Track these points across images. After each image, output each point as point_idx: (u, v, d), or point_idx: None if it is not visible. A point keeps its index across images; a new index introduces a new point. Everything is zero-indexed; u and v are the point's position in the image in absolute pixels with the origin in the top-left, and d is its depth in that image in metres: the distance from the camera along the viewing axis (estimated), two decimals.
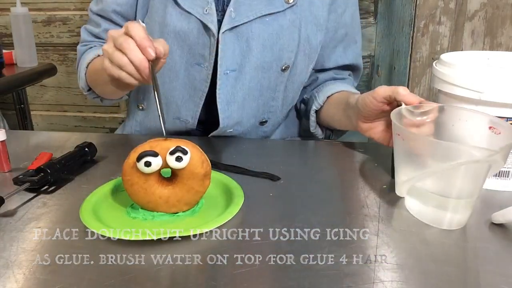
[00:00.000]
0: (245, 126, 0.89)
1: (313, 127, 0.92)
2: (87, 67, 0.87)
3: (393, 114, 0.60)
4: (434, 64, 0.70)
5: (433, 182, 0.55)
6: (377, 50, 1.69)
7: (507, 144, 0.50)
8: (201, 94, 0.85)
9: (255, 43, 0.82)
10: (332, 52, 0.92)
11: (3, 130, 0.71)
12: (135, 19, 0.90)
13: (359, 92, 0.84)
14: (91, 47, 0.92)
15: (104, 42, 0.91)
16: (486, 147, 0.50)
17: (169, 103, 0.89)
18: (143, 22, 0.88)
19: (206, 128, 0.90)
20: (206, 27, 0.81)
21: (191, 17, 0.82)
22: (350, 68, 0.96)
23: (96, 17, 0.92)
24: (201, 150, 0.57)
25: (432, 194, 0.56)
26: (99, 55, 0.86)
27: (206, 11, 0.81)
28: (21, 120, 1.67)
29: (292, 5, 0.83)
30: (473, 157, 0.50)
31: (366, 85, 1.75)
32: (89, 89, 0.91)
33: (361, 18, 1.66)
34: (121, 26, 0.90)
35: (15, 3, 1.53)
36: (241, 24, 0.81)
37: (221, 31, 0.81)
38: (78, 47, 0.94)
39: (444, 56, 0.70)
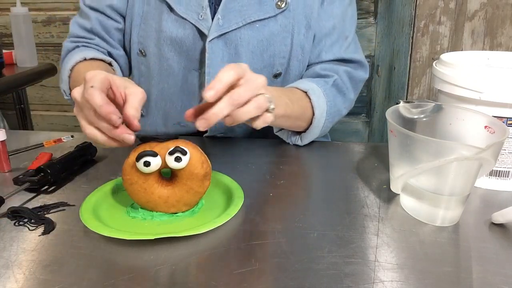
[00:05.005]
0: (237, 131, 0.89)
1: (276, 129, 0.83)
2: (71, 70, 0.82)
3: (388, 112, 0.60)
4: (434, 64, 0.70)
5: (426, 179, 0.56)
6: (377, 50, 1.69)
7: (495, 142, 0.50)
8: (199, 99, 0.84)
9: (243, 50, 0.81)
10: (317, 46, 0.86)
11: (3, 130, 0.71)
12: (125, 15, 0.87)
13: (309, 89, 0.78)
14: (78, 46, 0.87)
15: (93, 40, 0.87)
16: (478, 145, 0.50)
17: (169, 109, 0.89)
18: (139, 26, 0.86)
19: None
20: (201, 33, 0.81)
21: (187, 23, 0.81)
22: (344, 61, 0.86)
23: (87, 9, 0.87)
24: (202, 150, 0.57)
25: (426, 192, 0.56)
26: (85, 59, 0.81)
27: (201, 16, 0.80)
28: (21, 120, 1.67)
29: (284, 10, 0.81)
30: (463, 154, 0.50)
31: (366, 85, 1.76)
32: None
33: (361, 18, 1.68)
34: (114, 20, 0.87)
35: (15, 3, 1.53)
36: (229, 31, 0.80)
37: (208, 39, 0.80)
38: (65, 42, 0.89)
39: (444, 56, 0.70)
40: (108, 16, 0.87)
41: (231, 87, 0.55)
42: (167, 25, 0.81)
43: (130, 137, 0.54)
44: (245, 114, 0.55)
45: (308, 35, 0.84)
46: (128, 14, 0.87)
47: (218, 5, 0.80)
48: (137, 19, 0.86)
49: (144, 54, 0.86)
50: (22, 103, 1.66)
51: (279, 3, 0.80)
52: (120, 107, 0.56)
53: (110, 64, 0.85)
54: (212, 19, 0.80)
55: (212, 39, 0.80)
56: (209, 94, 0.52)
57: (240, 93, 0.54)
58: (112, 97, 0.56)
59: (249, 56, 0.82)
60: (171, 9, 0.81)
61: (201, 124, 0.54)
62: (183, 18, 0.81)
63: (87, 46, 0.87)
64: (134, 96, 0.55)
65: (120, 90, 0.56)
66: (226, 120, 0.55)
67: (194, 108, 0.56)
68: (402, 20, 1.61)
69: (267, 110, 0.58)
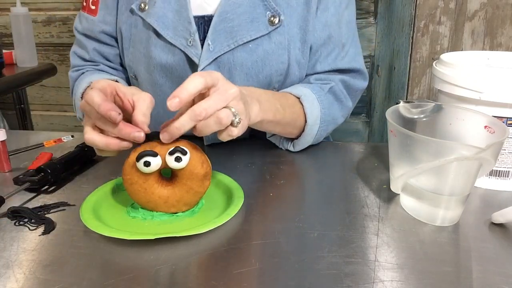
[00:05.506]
0: (234, 143, 0.88)
1: (269, 134, 0.82)
2: (82, 98, 0.79)
3: (388, 112, 0.60)
4: (434, 64, 0.70)
5: (426, 179, 0.56)
6: (377, 50, 1.69)
7: (495, 142, 0.50)
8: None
9: (237, 73, 0.77)
10: (312, 57, 0.82)
11: (3, 130, 0.71)
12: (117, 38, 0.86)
13: (302, 95, 0.76)
14: (83, 72, 0.85)
15: (97, 66, 0.86)
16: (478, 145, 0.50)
17: None
18: (128, 50, 0.83)
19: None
20: (192, 60, 0.77)
21: (175, 49, 0.77)
22: (340, 71, 0.83)
23: (83, 37, 0.86)
24: (202, 150, 0.57)
25: (426, 192, 0.56)
26: (91, 82, 0.79)
27: (190, 42, 0.76)
28: (21, 120, 1.68)
29: (278, 27, 0.76)
30: (463, 154, 0.50)
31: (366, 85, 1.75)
32: None
33: (361, 18, 1.68)
34: (110, 46, 0.86)
35: (15, 3, 1.53)
36: (221, 55, 0.76)
37: (199, 68, 0.75)
38: (70, 73, 0.88)
39: (444, 56, 0.70)
40: (104, 43, 0.85)
41: (201, 95, 0.54)
42: (155, 51, 0.78)
43: (140, 134, 0.54)
44: (205, 128, 0.54)
45: (303, 49, 0.80)
46: (118, 37, 0.85)
47: (208, 26, 0.76)
48: (126, 43, 0.82)
49: (136, 78, 0.84)
50: (22, 103, 1.66)
51: (272, 19, 0.75)
52: (129, 114, 0.55)
53: (116, 81, 0.81)
54: (202, 43, 0.76)
55: (204, 67, 0.75)
56: (171, 103, 0.51)
57: (204, 107, 0.52)
58: (120, 104, 0.56)
59: (243, 79, 0.77)
60: (158, 34, 0.77)
61: (164, 137, 0.54)
62: (171, 44, 0.77)
63: (91, 72, 0.85)
64: (142, 102, 0.55)
65: (127, 97, 0.55)
66: (193, 131, 0.54)
67: (170, 121, 0.55)
68: (402, 20, 1.61)
69: (231, 124, 0.55)
